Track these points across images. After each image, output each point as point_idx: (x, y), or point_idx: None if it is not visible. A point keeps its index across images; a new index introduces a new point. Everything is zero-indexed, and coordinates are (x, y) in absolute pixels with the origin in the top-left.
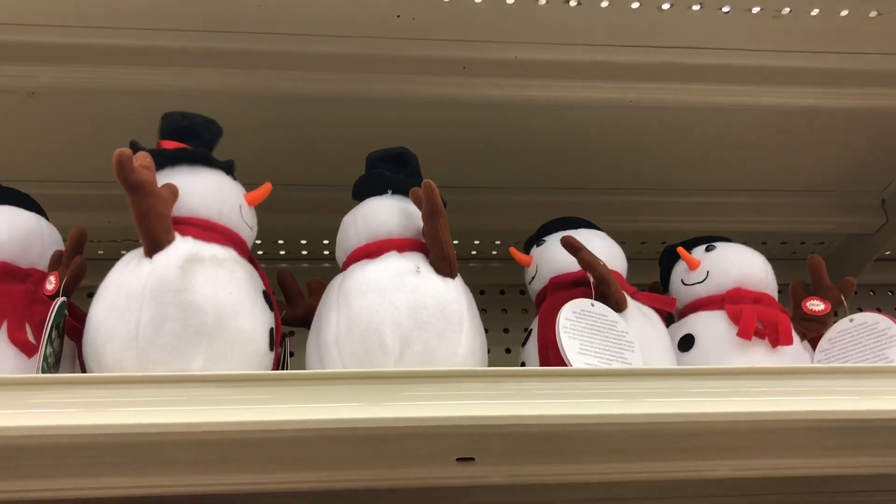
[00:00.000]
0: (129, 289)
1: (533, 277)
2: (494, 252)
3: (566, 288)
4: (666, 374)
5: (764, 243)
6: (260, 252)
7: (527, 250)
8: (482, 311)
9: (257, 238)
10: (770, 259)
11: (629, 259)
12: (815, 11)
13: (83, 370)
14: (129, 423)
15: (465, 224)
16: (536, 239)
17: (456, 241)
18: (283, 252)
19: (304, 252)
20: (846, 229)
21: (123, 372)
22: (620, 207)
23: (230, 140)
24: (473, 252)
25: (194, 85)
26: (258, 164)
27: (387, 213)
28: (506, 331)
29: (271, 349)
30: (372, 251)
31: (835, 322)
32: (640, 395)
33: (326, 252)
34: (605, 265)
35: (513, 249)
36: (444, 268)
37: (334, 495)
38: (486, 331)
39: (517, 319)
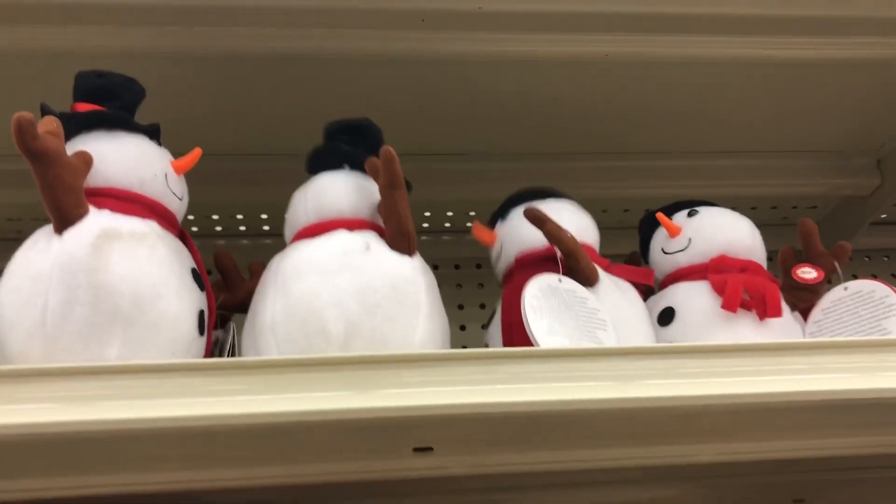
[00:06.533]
0: (35, 270)
1: (498, 257)
2: (469, 224)
3: (533, 265)
4: (645, 352)
5: (753, 208)
6: (194, 228)
7: (492, 227)
8: (457, 286)
9: (198, 213)
10: (760, 224)
11: (611, 228)
12: None
13: None
14: (41, 421)
15: (432, 196)
16: (501, 213)
17: (427, 214)
18: (219, 228)
19: (243, 228)
20: (840, 192)
21: (29, 363)
22: (600, 173)
23: (167, 105)
24: (447, 224)
25: (126, 45)
26: (198, 132)
27: (339, 189)
28: (482, 307)
29: (202, 333)
30: (319, 231)
31: (828, 291)
32: (623, 377)
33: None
34: (572, 237)
35: (475, 227)
36: (401, 244)
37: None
38: (461, 307)
39: (495, 294)
